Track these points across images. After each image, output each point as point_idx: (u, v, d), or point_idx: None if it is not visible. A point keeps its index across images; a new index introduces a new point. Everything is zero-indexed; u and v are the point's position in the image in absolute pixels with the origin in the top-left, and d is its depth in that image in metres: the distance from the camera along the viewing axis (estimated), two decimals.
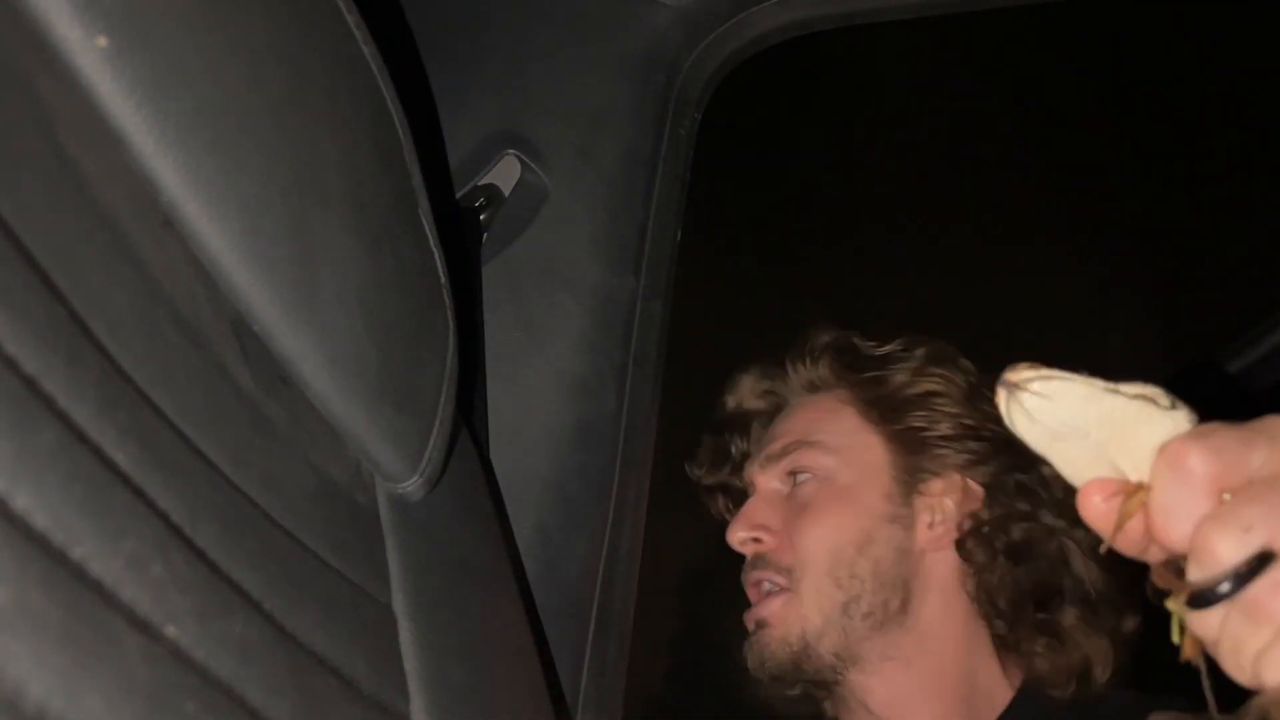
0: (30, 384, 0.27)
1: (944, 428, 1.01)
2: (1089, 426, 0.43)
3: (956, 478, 1.01)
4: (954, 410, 1.02)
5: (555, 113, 0.97)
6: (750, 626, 1.02)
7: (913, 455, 1.01)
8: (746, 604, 1.06)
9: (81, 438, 0.28)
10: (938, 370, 1.04)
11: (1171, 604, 0.41)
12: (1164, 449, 0.41)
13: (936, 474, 1.01)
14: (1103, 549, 0.44)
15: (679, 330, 1.05)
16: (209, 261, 0.38)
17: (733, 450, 1.15)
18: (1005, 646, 0.99)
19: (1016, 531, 0.99)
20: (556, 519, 0.89)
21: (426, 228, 0.59)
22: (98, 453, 0.29)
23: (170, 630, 0.29)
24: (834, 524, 0.99)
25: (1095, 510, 0.44)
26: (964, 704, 0.97)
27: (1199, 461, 0.40)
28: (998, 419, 0.97)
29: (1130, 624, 0.99)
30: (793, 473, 1.04)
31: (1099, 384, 0.43)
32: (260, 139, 0.41)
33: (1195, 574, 0.40)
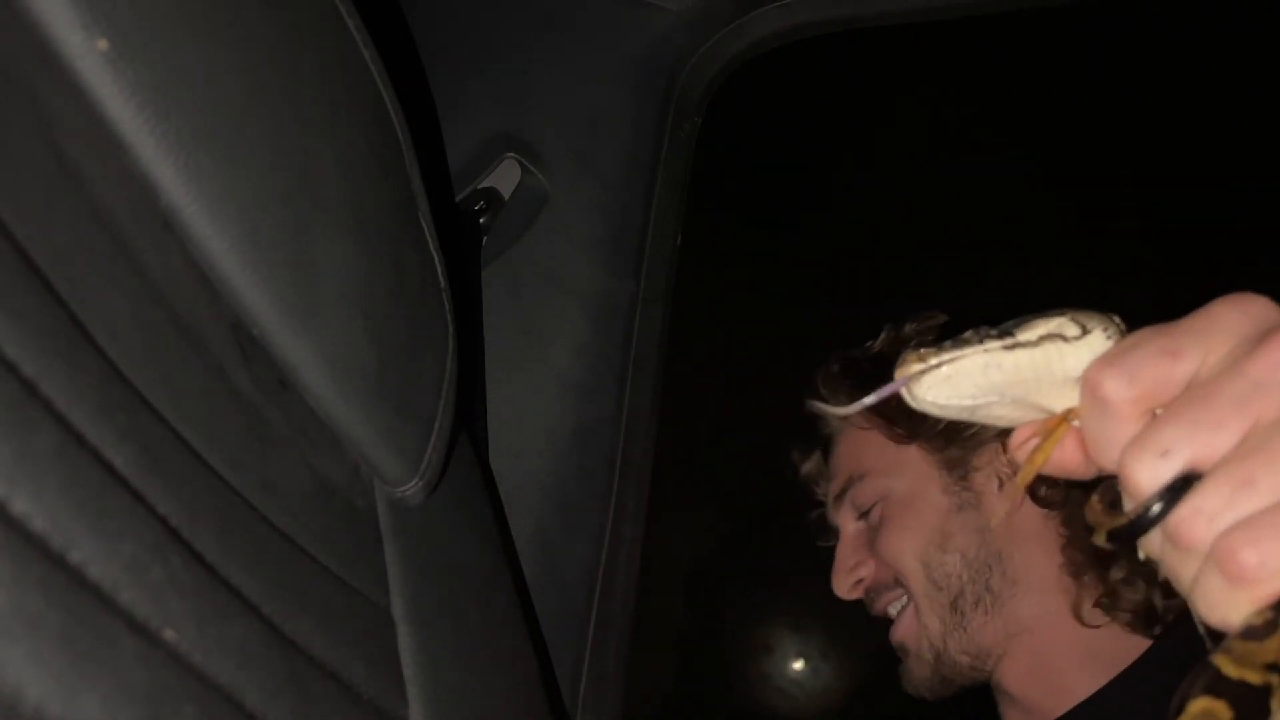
0: (29, 387, 0.27)
1: None
2: (1001, 389, 0.41)
3: (997, 444, 1.02)
4: None
5: (555, 116, 0.97)
6: (899, 653, 1.05)
7: (952, 446, 1.03)
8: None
9: (80, 441, 0.28)
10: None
11: (1096, 539, 0.39)
12: (1082, 380, 0.39)
13: (980, 446, 1.03)
14: (1017, 487, 0.42)
15: (679, 334, 1.05)
16: (208, 265, 0.38)
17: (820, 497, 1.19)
18: (1112, 587, 0.98)
19: None
20: (556, 523, 0.88)
21: (426, 231, 0.59)
22: (97, 456, 0.29)
23: (169, 634, 0.29)
24: (910, 533, 1.02)
25: (1024, 456, 0.41)
26: (1095, 655, 0.95)
27: (1115, 387, 0.37)
28: None
29: None
30: (856, 508, 1.08)
31: (995, 344, 0.41)
32: (260, 142, 0.41)
33: (1126, 504, 0.37)
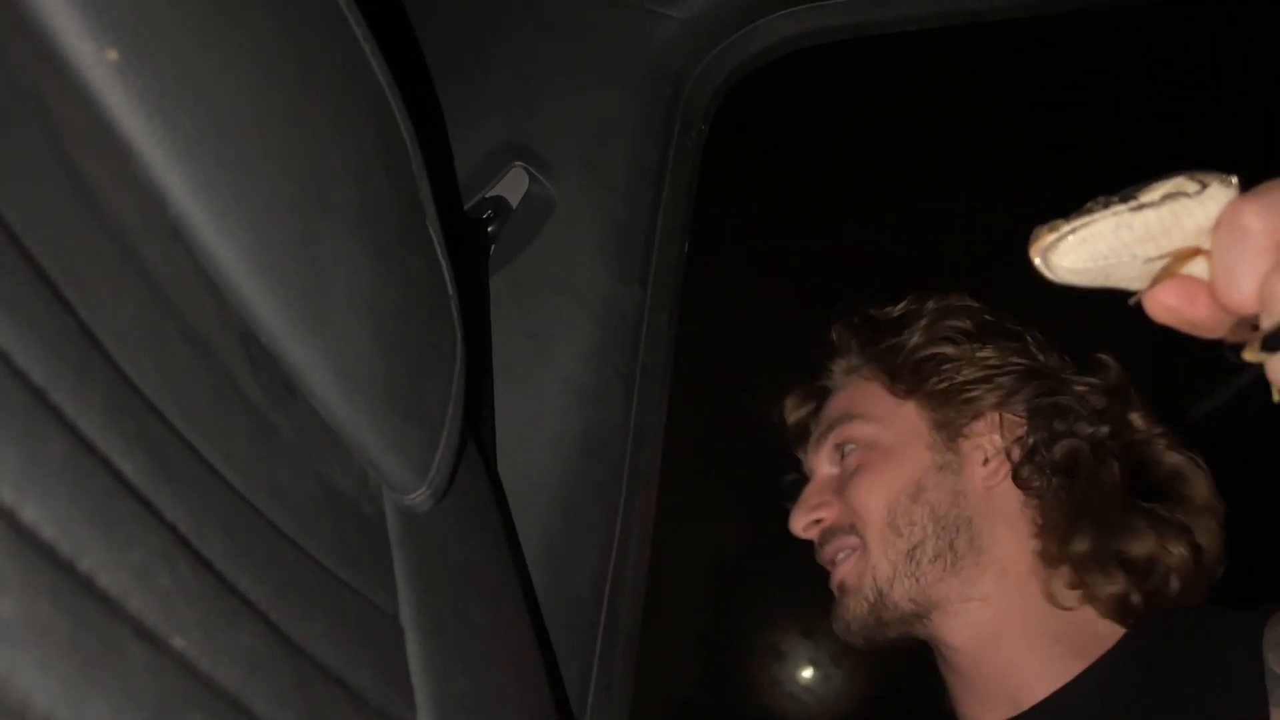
0: (39, 395, 0.27)
1: (968, 375, 1.05)
2: (1133, 248, 0.43)
3: (995, 415, 1.04)
4: (974, 356, 1.05)
5: (562, 125, 0.97)
6: (836, 594, 1.05)
7: (948, 408, 1.04)
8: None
9: (89, 448, 0.28)
10: (950, 322, 1.08)
11: (1248, 354, 0.41)
12: (1221, 217, 0.41)
13: (976, 417, 1.04)
14: (1144, 299, 0.44)
15: (686, 340, 1.05)
16: (217, 273, 0.38)
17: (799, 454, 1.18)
18: (1085, 579, 0.98)
19: (1059, 449, 1.01)
20: (564, 530, 0.88)
21: (434, 239, 0.59)
22: (105, 463, 0.29)
23: (177, 641, 0.29)
24: (884, 479, 1.02)
25: (1160, 305, 0.43)
26: (1059, 641, 0.96)
27: (1254, 218, 0.39)
28: (1018, 350, 0.97)
29: (1209, 526, 0.98)
30: (839, 447, 1.08)
31: (1121, 207, 0.43)
32: (269, 151, 0.41)
33: (1266, 322, 0.39)
